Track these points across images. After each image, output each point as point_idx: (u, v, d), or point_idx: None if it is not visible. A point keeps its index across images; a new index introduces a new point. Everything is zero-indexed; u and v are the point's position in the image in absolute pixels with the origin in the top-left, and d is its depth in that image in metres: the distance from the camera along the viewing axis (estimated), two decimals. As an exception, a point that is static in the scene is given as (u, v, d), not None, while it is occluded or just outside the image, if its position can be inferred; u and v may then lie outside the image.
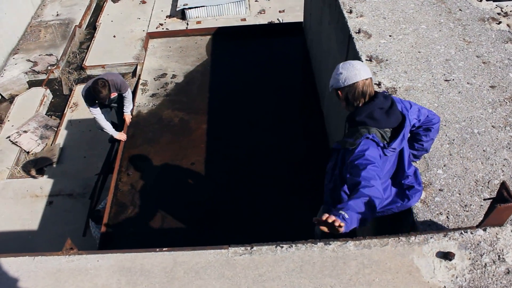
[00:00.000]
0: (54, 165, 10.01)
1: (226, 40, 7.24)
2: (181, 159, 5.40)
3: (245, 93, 6.28)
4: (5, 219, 8.42)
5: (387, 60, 3.79)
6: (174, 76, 6.51)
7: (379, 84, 3.53)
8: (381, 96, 2.50)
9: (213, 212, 4.86)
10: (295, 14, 13.47)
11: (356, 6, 4.47)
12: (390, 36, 4.06)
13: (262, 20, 13.38)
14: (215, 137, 5.64)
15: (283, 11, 13.68)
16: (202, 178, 5.18)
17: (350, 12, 4.36)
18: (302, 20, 7.40)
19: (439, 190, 2.81)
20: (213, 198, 4.98)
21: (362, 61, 3.77)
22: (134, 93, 6.52)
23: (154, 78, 6.51)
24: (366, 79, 2.47)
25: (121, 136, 5.64)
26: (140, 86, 6.42)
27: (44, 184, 8.97)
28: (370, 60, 3.77)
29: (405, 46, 3.94)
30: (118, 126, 5.98)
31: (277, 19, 13.34)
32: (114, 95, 5.47)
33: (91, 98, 5.51)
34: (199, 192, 5.03)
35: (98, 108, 5.69)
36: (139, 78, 6.61)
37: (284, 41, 7.30)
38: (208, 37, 7.21)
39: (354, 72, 2.47)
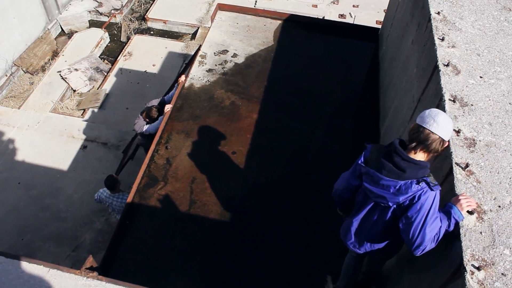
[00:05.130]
0: (96, 110, 10.03)
1: (295, 29, 6.89)
2: (223, 145, 5.19)
3: (303, 90, 5.96)
4: (39, 152, 8.50)
5: (472, 105, 3.40)
6: (235, 55, 6.23)
7: (458, 132, 3.17)
8: None
9: (242, 214, 4.65)
10: (368, 11, 12.89)
11: (450, 34, 4.05)
12: (481, 77, 3.65)
13: (334, 10, 12.87)
14: (263, 130, 5.38)
15: (357, 6, 13.09)
16: (239, 172, 4.96)
17: (442, 39, 3.95)
18: (376, 21, 6.95)
19: (502, 274, 2.49)
20: (245, 197, 4.76)
21: (445, 100, 3.41)
22: (191, 63, 6.31)
23: (214, 53, 6.26)
24: None
25: (168, 107, 5.47)
26: (198, 58, 6.17)
27: (82, 126, 8.99)
28: (454, 101, 3.39)
29: (496, 93, 3.53)
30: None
31: (349, 13, 12.79)
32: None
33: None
34: (233, 186, 4.81)
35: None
36: (198, 49, 6.37)
37: (355, 44, 6.88)
38: (278, 22, 6.86)
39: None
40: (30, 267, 2.02)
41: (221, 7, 6.99)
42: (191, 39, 11.69)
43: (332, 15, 12.49)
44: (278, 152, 5.19)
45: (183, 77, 5.82)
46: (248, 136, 5.29)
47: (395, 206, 2.85)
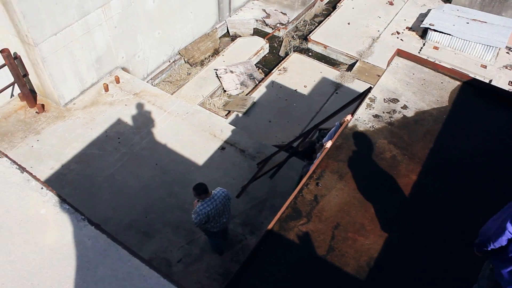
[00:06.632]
0: (240, 115, 10.33)
1: (474, 94, 6.36)
2: (375, 198, 4.94)
3: (471, 162, 5.46)
4: (181, 141, 8.95)
5: None
6: (405, 107, 5.94)
7: None
8: None
9: (380, 276, 4.36)
10: (543, 87, 11.73)
11: None
12: None
13: (504, 75, 11.91)
14: (421, 195, 5.03)
15: (532, 77, 11.97)
16: (386, 231, 4.67)
17: None
18: None
19: None
20: (387, 260, 4.46)
21: None
22: (359, 104, 6.15)
23: (384, 99, 6.03)
24: None
25: (328, 143, 5.37)
26: (367, 100, 6.00)
27: (225, 128, 9.27)
28: None
29: None
30: None
31: (522, 83, 11.73)
32: None
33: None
34: (377, 245, 4.54)
35: None
36: (369, 91, 6.18)
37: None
38: (457, 83, 6.42)
39: None
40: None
41: (400, 53, 6.74)
42: (347, 70, 11.57)
43: (501, 81, 11.57)
44: (433, 222, 4.81)
45: (349, 116, 5.69)
46: (404, 197, 4.98)
47: None
